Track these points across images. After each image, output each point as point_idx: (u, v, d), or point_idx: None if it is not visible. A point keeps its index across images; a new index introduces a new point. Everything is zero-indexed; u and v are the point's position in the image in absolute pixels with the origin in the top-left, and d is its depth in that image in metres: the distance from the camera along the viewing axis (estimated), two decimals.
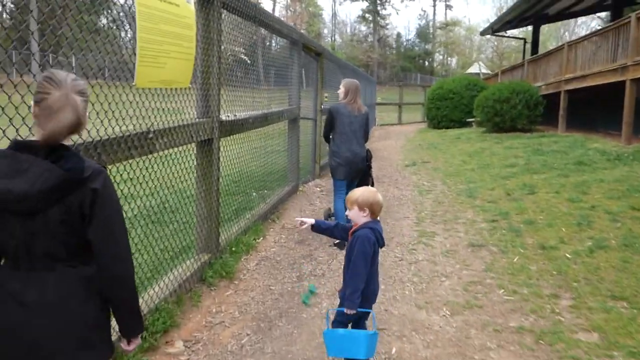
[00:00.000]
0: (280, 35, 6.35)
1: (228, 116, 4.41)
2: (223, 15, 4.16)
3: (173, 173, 3.57)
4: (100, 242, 1.58)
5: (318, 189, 7.85)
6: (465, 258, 4.59)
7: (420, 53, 67.39)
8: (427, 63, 68.20)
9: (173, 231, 4.95)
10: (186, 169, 3.83)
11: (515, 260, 4.46)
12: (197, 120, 3.82)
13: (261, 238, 5.15)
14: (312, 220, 2.79)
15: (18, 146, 1.50)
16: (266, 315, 3.50)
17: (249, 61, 5.56)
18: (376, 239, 2.56)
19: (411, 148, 13.33)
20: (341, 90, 5.31)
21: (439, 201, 6.88)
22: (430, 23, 69.15)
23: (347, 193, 3.01)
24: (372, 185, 6.05)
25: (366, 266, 2.49)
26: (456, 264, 4.44)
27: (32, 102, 1.52)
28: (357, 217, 2.57)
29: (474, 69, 36.43)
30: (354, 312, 2.51)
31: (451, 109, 17.28)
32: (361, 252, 2.49)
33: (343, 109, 5.20)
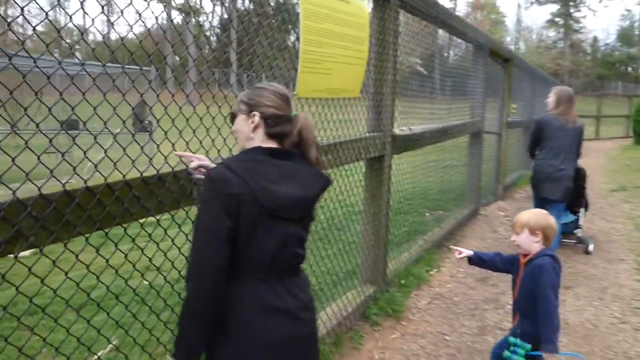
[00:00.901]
0: (464, 38, 5.63)
1: (402, 130, 3.87)
2: (400, 16, 3.64)
3: (342, 185, 3.18)
4: None
5: (502, 213, 6.87)
6: None
7: (622, 58, 59.33)
8: (630, 69, 59.80)
9: (337, 251, 4.56)
10: (357, 181, 3.43)
11: None
12: (367, 134, 3.35)
13: (434, 270, 4.48)
14: (470, 252, 2.54)
15: (274, 152, 1.50)
16: None
17: (424, 72, 4.98)
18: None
19: (616, 169, 11.30)
20: (551, 99, 4.61)
21: None
22: (636, 24, 60.52)
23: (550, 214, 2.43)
24: (587, 209, 5.34)
25: (557, 300, 2.17)
26: None
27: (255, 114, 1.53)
28: (528, 243, 2.26)
29: None
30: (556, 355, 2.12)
31: None
32: (551, 285, 2.16)
33: (553, 121, 4.51)
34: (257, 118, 1.52)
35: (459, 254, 2.55)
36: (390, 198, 3.72)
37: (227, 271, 1.40)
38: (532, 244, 2.24)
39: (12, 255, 1.31)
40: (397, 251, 4.43)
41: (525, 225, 2.26)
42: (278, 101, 1.54)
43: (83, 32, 1.48)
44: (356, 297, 3.39)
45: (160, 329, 2.24)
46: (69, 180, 1.44)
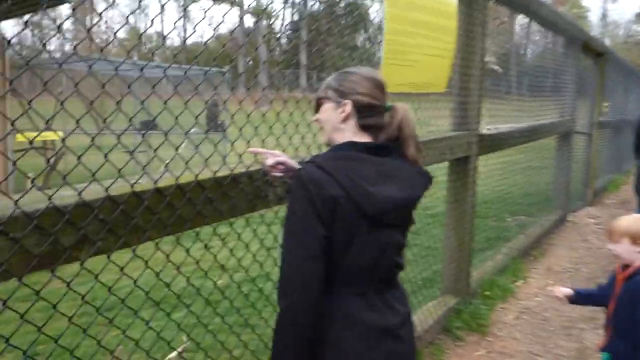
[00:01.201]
0: (555, 31, 5.19)
1: (489, 129, 3.57)
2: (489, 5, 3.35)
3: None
4: None
5: (592, 220, 6.31)
6: None
7: None
8: None
9: (413, 257, 4.31)
10: (434, 182, 3.19)
11: None
12: (451, 133, 3.09)
13: (521, 281, 4.12)
14: (568, 291, 2.25)
15: (371, 148, 1.31)
16: None
17: (499, 69, 4.63)
18: None
19: None
20: None
21: None
22: None
23: None
24: None
25: None
26: None
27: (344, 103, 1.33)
28: (629, 253, 1.99)
29: None
30: None
31: None
32: None
33: None
34: (349, 107, 1.32)
35: (558, 292, 2.31)
36: (475, 202, 3.43)
37: (322, 285, 1.22)
38: (633, 254, 1.99)
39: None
40: (478, 259, 4.12)
41: (625, 233, 2.00)
42: (373, 89, 1.34)
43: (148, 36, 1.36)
44: (437, 309, 3.14)
45: (238, 329, 2.13)
46: (138, 181, 1.33)
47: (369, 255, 1.27)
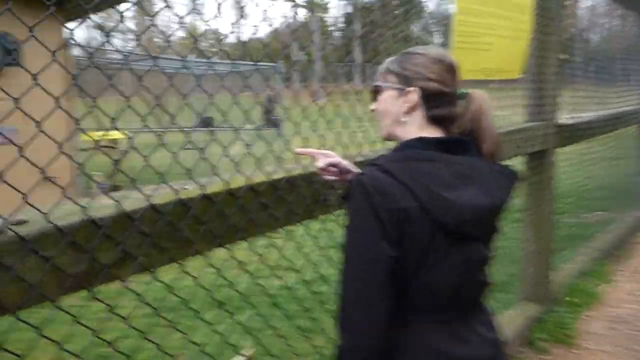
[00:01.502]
0: (636, 8, 4.72)
1: (567, 118, 3.23)
2: None
3: None
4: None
5: None
6: None
7: None
8: None
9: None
10: None
11: None
12: (526, 124, 2.80)
13: (606, 285, 3.73)
14: None
15: (443, 143, 1.07)
16: None
17: (568, 58, 4.24)
18: None
19: None
20: None
21: None
22: None
23: None
24: None
25: None
26: None
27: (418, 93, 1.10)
28: None
29: None
30: None
31: None
32: None
33: None
34: (414, 95, 1.10)
35: None
36: (553, 199, 3.11)
37: (390, 317, 1.00)
38: None
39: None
40: (557, 260, 3.76)
41: None
42: (443, 73, 1.10)
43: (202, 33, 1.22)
44: (516, 318, 2.86)
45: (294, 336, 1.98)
46: (185, 187, 1.17)
47: (449, 276, 1.04)
